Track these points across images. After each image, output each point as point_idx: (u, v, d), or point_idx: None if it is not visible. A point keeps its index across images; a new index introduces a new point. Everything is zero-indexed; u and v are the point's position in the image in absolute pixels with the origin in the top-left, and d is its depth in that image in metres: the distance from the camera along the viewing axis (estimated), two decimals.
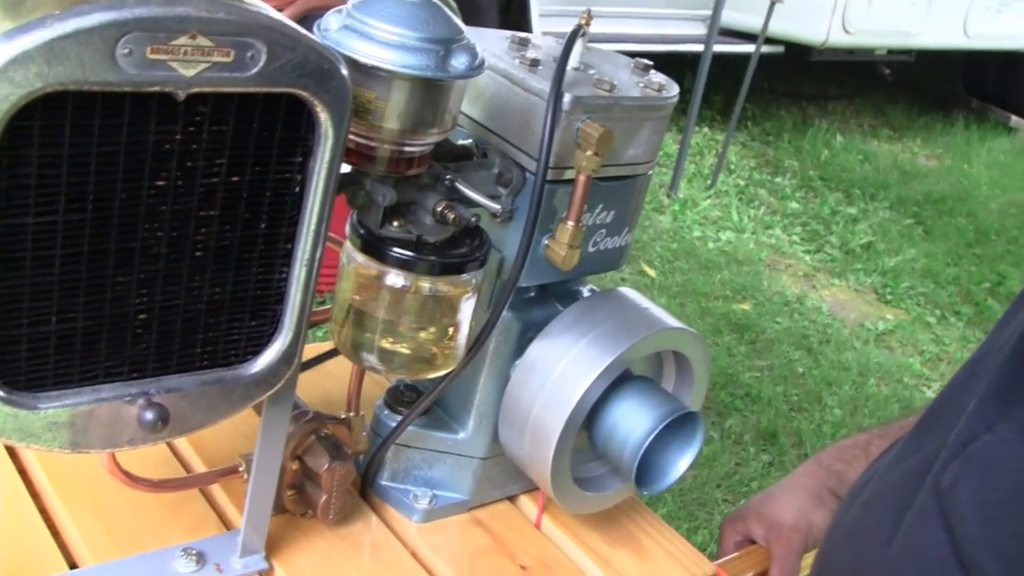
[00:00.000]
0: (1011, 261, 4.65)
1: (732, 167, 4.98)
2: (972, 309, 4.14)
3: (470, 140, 0.99)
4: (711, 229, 4.29)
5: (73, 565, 0.91)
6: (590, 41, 0.99)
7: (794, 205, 4.75)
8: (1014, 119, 6.74)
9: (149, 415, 0.76)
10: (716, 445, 2.84)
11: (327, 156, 0.76)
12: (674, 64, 3.67)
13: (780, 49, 5.12)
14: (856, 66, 6.28)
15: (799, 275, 4.13)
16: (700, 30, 4.67)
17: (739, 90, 4.50)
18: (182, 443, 1.08)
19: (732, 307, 3.64)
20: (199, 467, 1.05)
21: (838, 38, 5.11)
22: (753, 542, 1.23)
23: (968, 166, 5.82)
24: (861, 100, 6.51)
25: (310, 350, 1.05)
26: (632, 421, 0.98)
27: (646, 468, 1.00)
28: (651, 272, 3.73)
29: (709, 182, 4.68)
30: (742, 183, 4.85)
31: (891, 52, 5.77)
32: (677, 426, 1.00)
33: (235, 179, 0.74)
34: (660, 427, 0.96)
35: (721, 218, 4.43)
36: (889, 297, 4.11)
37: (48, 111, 0.64)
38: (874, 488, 0.97)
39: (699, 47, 4.42)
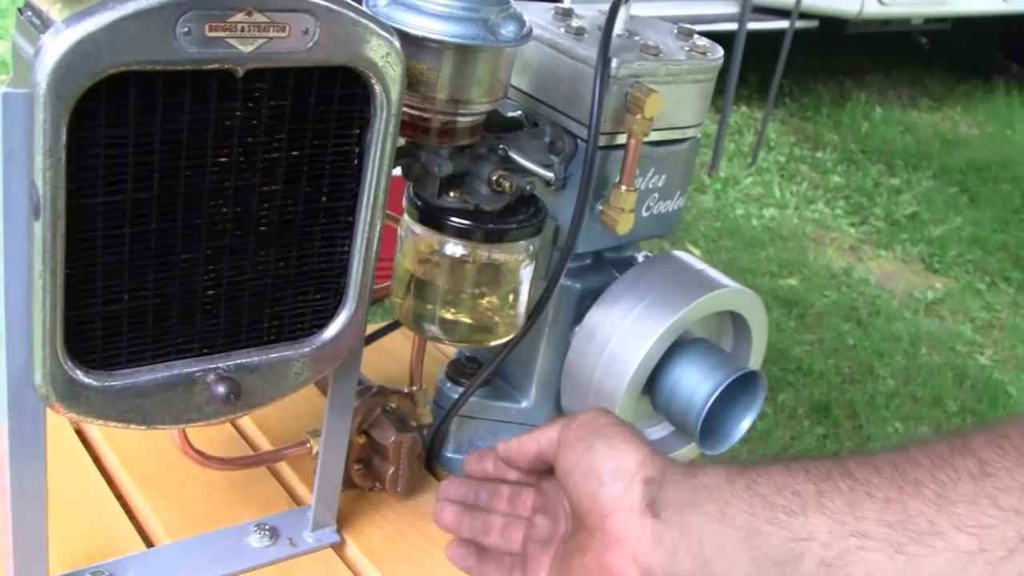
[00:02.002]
0: None
1: (772, 144, 4.96)
2: (1022, 275, 4.10)
3: (519, 112, 1.00)
4: (754, 206, 4.27)
5: (150, 545, 0.93)
6: None
7: (836, 179, 4.73)
8: None
9: (221, 389, 0.77)
10: (770, 420, 2.84)
11: (383, 128, 0.77)
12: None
13: (814, 24, 5.08)
14: (892, 37, 6.22)
15: (845, 248, 4.11)
16: (733, 8, 4.65)
17: (775, 67, 4.48)
18: (248, 424, 1.09)
19: (779, 283, 3.63)
20: (265, 446, 1.07)
21: (873, 9, 5.07)
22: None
23: (1011, 132, 5.76)
24: (898, 71, 6.46)
25: (369, 329, 1.07)
26: (694, 381, 0.98)
27: (709, 430, 1.01)
28: (696, 252, 3.72)
29: (750, 160, 4.67)
30: (783, 159, 4.82)
31: (927, 21, 5.71)
32: (737, 386, 1.00)
33: (295, 153, 0.75)
34: (724, 384, 0.96)
35: (763, 195, 4.41)
36: (937, 266, 4.08)
37: (112, 92, 0.65)
38: None
39: (733, 25, 4.40)
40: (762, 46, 5.06)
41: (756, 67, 5.37)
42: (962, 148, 5.34)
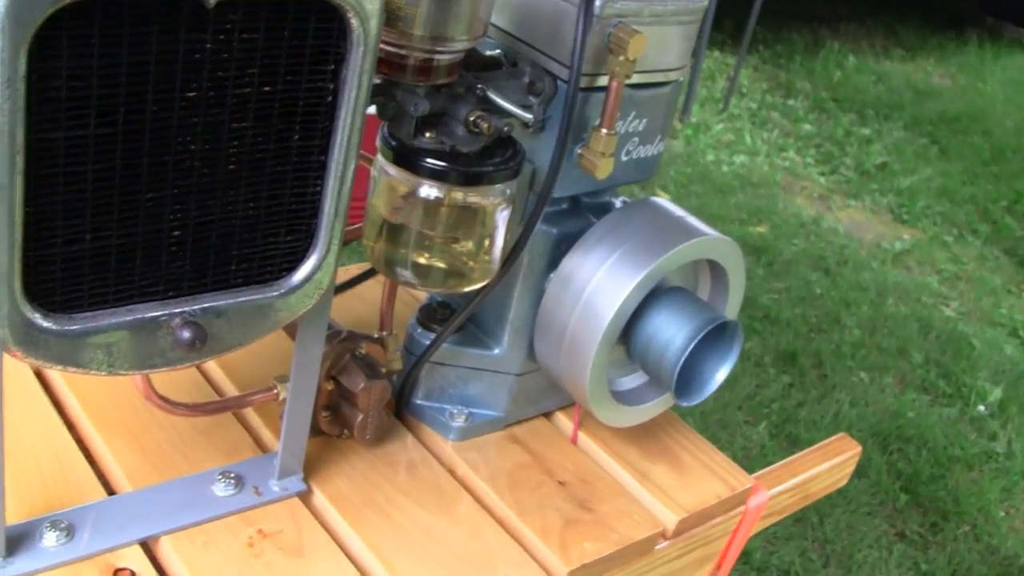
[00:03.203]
0: None
1: (744, 90, 4.94)
2: (989, 227, 4.12)
3: (498, 51, 0.97)
4: (724, 153, 4.25)
5: (112, 492, 0.91)
6: None
7: (807, 127, 4.71)
8: None
9: (186, 334, 0.75)
10: (736, 368, 2.83)
11: (359, 64, 0.74)
12: None
13: None
14: None
15: (814, 197, 4.11)
16: None
17: (750, 12, 4.44)
18: (213, 368, 1.07)
19: (748, 230, 3.62)
20: (232, 391, 1.04)
21: None
22: None
23: (983, 84, 5.76)
24: (873, 20, 6.43)
25: (340, 274, 1.04)
26: (671, 330, 0.96)
27: (684, 379, 0.99)
28: (665, 197, 3.70)
29: (721, 106, 4.64)
30: (754, 106, 4.81)
31: None
32: (714, 336, 0.99)
33: (267, 89, 0.72)
34: (700, 335, 0.95)
35: (734, 142, 4.39)
36: (905, 217, 4.08)
37: (75, 21, 0.62)
38: None
39: None
40: None
41: (731, 12, 5.33)
42: (934, 99, 5.34)
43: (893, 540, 2.39)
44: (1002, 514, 2.56)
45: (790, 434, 2.62)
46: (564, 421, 1.11)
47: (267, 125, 0.73)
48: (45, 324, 0.70)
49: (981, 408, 2.94)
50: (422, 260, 0.91)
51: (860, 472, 2.54)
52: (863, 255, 3.68)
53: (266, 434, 1.00)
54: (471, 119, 0.86)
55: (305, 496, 0.95)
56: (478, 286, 0.95)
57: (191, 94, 0.69)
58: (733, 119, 4.59)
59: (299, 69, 0.73)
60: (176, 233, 0.73)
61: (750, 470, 1.13)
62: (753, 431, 2.61)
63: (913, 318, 3.31)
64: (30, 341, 0.69)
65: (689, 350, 0.95)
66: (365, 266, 1.19)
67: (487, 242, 0.92)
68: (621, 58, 0.89)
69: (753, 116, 4.70)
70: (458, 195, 0.88)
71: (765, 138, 4.50)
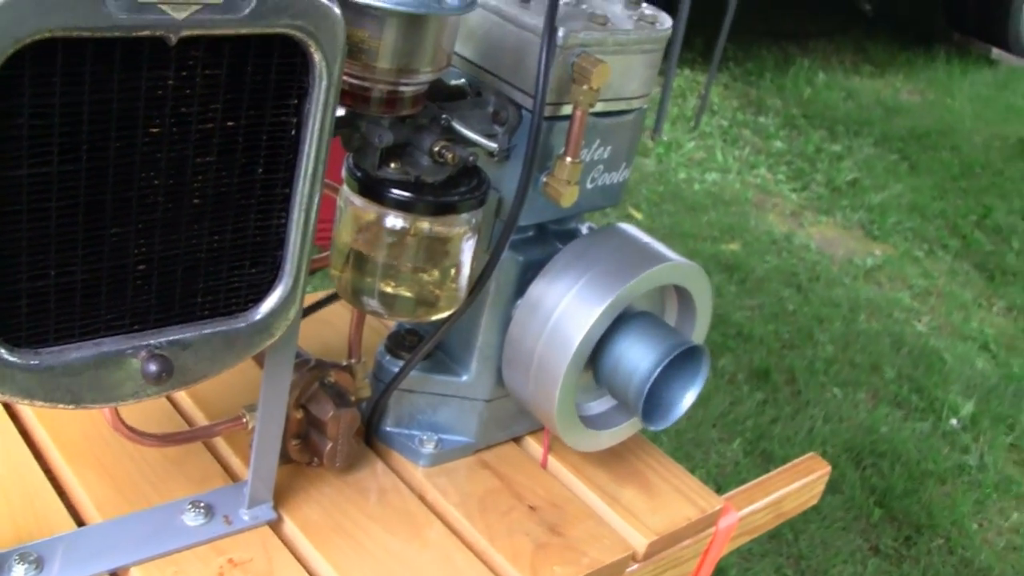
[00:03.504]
0: (997, 193, 4.64)
1: (715, 108, 4.96)
2: (959, 242, 4.14)
3: (463, 80, 0.98)
4: (696, 171, 4.27)
5: (81, 523, 0.91)
6: None
7: (778, 144, 4.74)
8: (995, 51, 6.71)
9: (153, 367, 0.75)
10: (709, 385, 2.85)
11: (322, 98, 0.75)
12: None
13: None
14: (836, 2, 6.24)
15: (786, 213, 4.12)
16: None
17: (719, 31, 4.47)
18: (183, 397, 1.07)
19: (720, 247, 3.63)
20: (201, 421, 1.04)
21: None
22: None
23: (951, 100, 5.80)
24: (841, 37, 6.47)
25: (307, 299, 1.04)
26: (637, 355, 0.97)
27: (652, 404, 1.00)
28: (638, 215, 3.72)
29: (692, 124, 4.66)
30: (725, 124, 4.82)
31: None
32: (681, 360, 0.99)
33: (230, 124, 0.73)
34: (667, 360, 0.96)
35: (706, 159, 4.41)
36: (876, 233, 4.11)
37: (37, 59, 0.62)
38: None
39: None
40: (707, 9, 5.05)
41: (700, 31, 5.36)
42: (903, 115, 5.37)
43: (868, 555, 2.40)
44: (975, 527, 2.58)
45: (764, 451, 2.63)
46: (534, 446, 1.12)
47: (231, 159, 0.74)
48: (11, 359, 0.70)
49: (953, 422, 2.95)
50: (389, 289, 0.92)
51: (834, 488, 2.55)
52: (835, 271, 3.70)
53: (236, 463, 1.00)
54: (436, 149, 0.87)
55: (275, 524, 0.95)
56: (445, 314, 0.95)
57: (154, 130, 0.69)
58: (704, 137, 4.62)
59: (262, 104, 0.73)
60: (141, 267, 0.74)
61: (725, 488, 1.14)
62: (727, 448, 2.62)
63: (885, 333, 3.33)
64: None
65: (656, 374, 0.96)
66: (331, 291, 1.19)
67: (453, 271, 0.93)
68: (585, 87, 0.90)
69: (724, 134, 4.72)
70: (424, 225, 0.89)
71: (736, 155, 4.52)
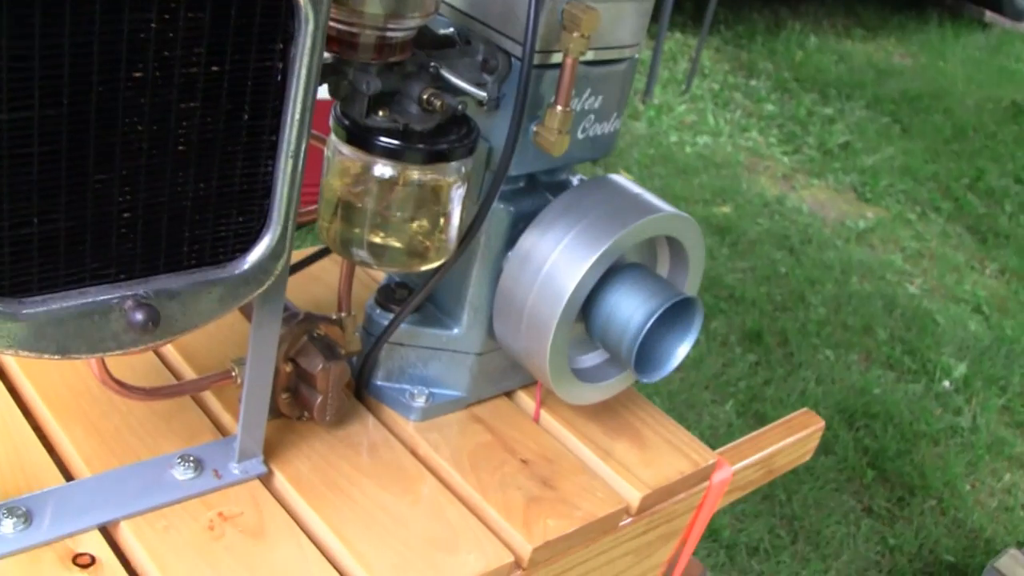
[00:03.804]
0: (989, 156, 4.64)
1: (706, 71, 4.94)
2: (952, 205, 4.14)
3: (451, 29, 0.96)
4: (687, 134, 4.26)
5: (70, 478, 0.90)
6: None
7: (770, 107, 4.72)
8: (988, 14, 6.70)
9: (139, 316, 0.74)
10: (702, 347, 2.84)
11: (308, 42, 0.73)
12: None
13: None
14: None
15: (778, 176, 4.12)
16: None
17: None
18: (170, 351, 1.06)
19: (712, 210, 3.63)
20: (190, 375, 1.03)
21: None
22: None
23: (943, 63, 5.79)
24: (833, 0, 6.45)
25: (295, 256, 1.04)
26: (630, 307, 0.96)
27: (645, 357, 1.00)
28: (629, 178, 3.70)
29: (683, 87, 4.65)
30: (717, 87, 4.81)
31: None
32: (674, 313, 0.99)
33: (215, 69, 0.71)
34: (660, 311, 0.95)
35: (697, 122, 4.39)
36: (869, 195, 4.10)
37: (15, 1, 0.61)
38: None
39: None
40: None
41: None
42: (895, 78, 5.36)
43: (860, 515, 2.41)
44: (968, 487, 2.58)
45: (757, 412, 2.63)
46: (526, 400, 1.11)
47: (216, 105, 0.73)
48: None
49: (946, 384, 2.96)
50: (378, 240, 0.91)
51: (827, 449, 2.56)
52: (827, 234, 3.69)
53: (225, 417, 1.00)
54: (424, 97, 0.85)
55: (266, 479, 0.94)
56: (435, 265, 0.94)
57: (137, 74, 0.68)
58: (695, 100, 4.60)
59: (247, 48, 0.72)
60: (126, 215, 0.73)
61: (716, 448, 1.13)
62: (720, 410, 2.62)
63: (878, 295, 3.33)
64: None
65: (648, 326, 0.95)
66: (322, 246, 1.18)
67: (443, 221, 0.92)
68: (575, 35, 0.88)
69: (715, 97, 4.70)
70: (413, 174, 0.88)
71: (728, 119, 4.50)
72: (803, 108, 4.76)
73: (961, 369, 3.01)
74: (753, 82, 4.97)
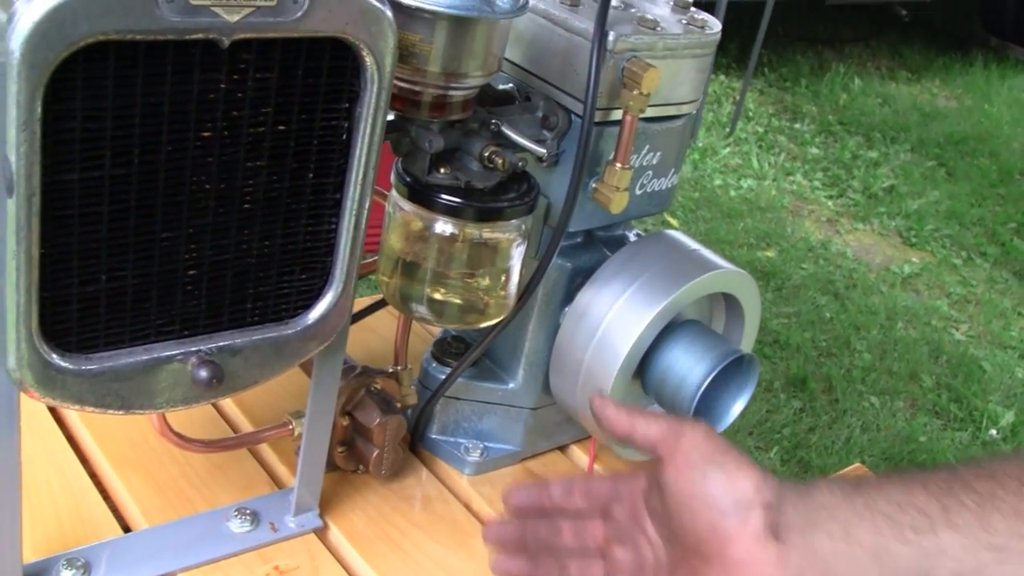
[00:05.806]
0: None
1: (750, 114, 4.93)
2: (998, 250, 4.10)
3: (511, 85, 0.97)
4: (732, 177, 4.25)
5: (127, 529, 0.91)
6: None
7: (814, 150, 4.70)
8: None
9: (204, 373, 0.74)
10: None
11: (373, 101, 0.74)
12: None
13: None
14: (871, 8, 6.20)
15: (822, 220, 4.10)
16: None
17: (755, 36, 4.44)
18: (228, 404, 1.07)
19: (756, 254, 3.61)
20: (246, 427, 1.04)
21: None
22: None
23: (989, 106, 5.75)
24: (877, 42, 6.43)
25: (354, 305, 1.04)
26: (686, 365, 0.96)
27: (699, 413, 0.99)
28: (674, 222, 3.70)
29: (728, 130, 4.64)
30: (761, 130, 4.80)
31: None
32: (730, 369, 0.98)
33: (281, 128, 0.72)
34: (716, 370, 0.94)
35: (741, 165, 4.38)
36: (914, 240, 4.07)
37: (90, 63, 0.62)
38: None
39: None
40: (742, 15, 5.03)
41: (735, 36, 5.33)
42: (940, 121, 5.33)
43: None
44: None
45: (802, 459, 2.61)
46: (579, 454, 1.11)
47: (281, 163, 0.73)
48: (62, 364, 0.69)
49: (993, 432, 2.92)
50: (438, 296, 0.91)
51: None
52: (872, 279, 3.67)
53: (281, 469, 1.00)
54: (486, 154, 0.86)
55: (321, 532, 0.94)
56: (494, 321, 0.94)
57: (205, 134, 0.69)
58: (740, 143, 4.59)
59: (313, 107, 0.73)
60: (191, 272, 0.73)
61: None
62: (764, 457, 2.59)
63: (923, 342, 3.30)
64: (47, 381, 0.69)
65: (706, 385, 0.95)
66: (377, 297, 1.18)
67: (503, 277, 0.92)
68: (635, 92, 0.89)
69: (760, 140, 4.69)
70: (473, 231, 0.88)
71: (772, 162, 4.49)
72: (847, 151, 4.74)
73: (1008, 417, 2.97)
74: (797, 125, 4.96)
